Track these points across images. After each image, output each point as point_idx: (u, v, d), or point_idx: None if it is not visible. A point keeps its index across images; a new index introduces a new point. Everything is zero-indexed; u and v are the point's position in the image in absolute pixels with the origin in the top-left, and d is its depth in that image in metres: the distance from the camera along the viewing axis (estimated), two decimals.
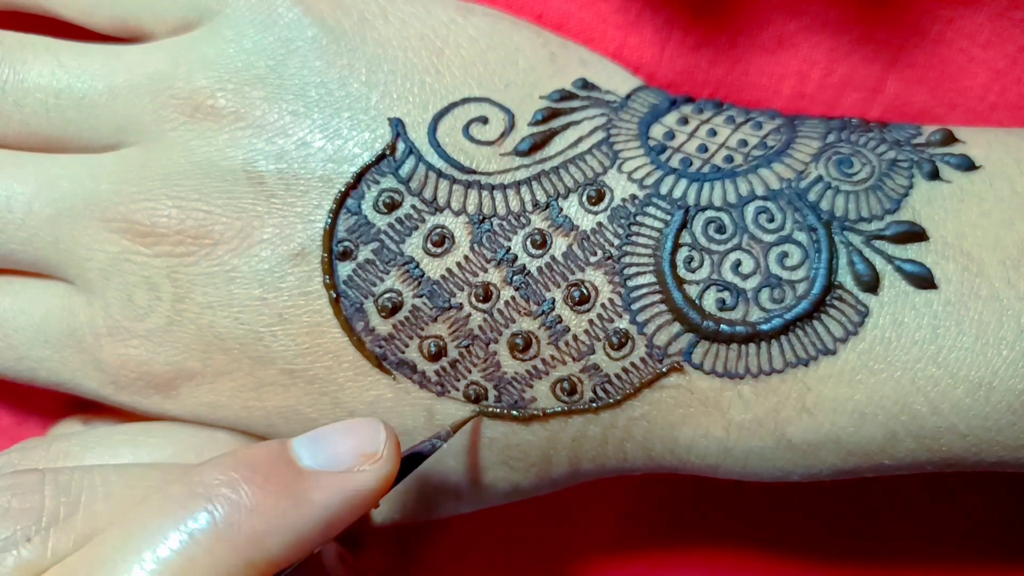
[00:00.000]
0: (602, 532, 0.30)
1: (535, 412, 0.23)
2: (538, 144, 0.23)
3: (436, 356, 0.23)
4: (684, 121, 0.23)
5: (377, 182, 0.23)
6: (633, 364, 0.22)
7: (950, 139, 0.22)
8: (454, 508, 0.26)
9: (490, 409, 0.24)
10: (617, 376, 0.23)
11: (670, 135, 0.23)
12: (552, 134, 0.23)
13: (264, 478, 0.19)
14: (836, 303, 0.21)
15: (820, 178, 0.22)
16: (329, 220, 0.23)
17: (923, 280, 0.21)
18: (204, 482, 0.19)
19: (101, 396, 0.25)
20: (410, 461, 0.22)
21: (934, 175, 0.22)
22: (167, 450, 0.24)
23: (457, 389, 0.23)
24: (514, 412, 0.23)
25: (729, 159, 0.23)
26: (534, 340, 0.23)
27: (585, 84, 0.24)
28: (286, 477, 0.20)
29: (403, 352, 0.23)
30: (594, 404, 0.23)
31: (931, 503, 0.28)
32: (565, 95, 0.24)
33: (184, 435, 0.24)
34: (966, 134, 0.22)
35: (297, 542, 0.19)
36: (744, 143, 0.23)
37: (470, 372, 0.23)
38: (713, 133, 0.23)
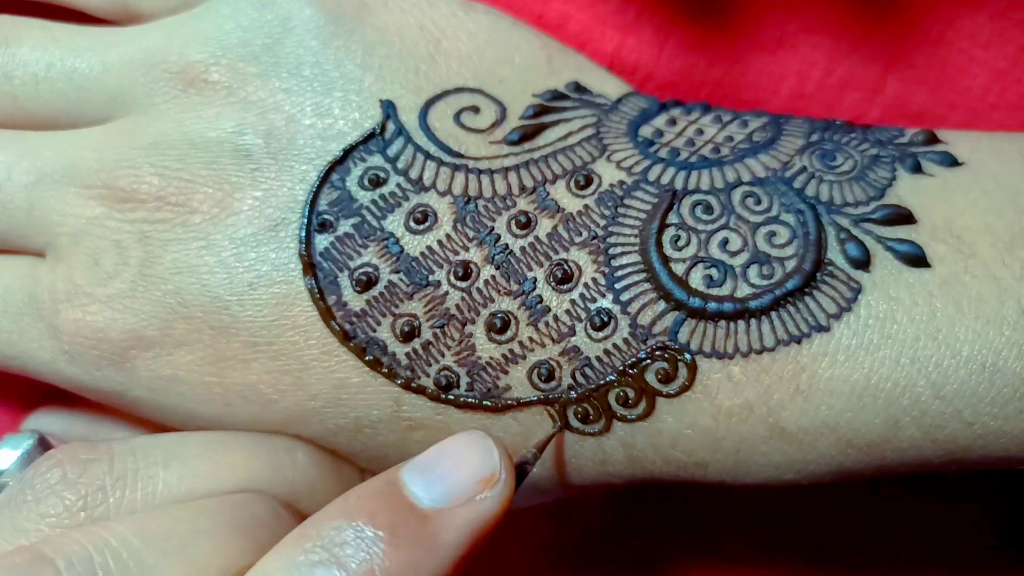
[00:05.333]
0: (600, 532, 0.27)
1: (509, 401, 0.22)
2: (528, 135, 0.23)
3: (409, 336, 0.22)
4: (672, 122, 0.24)
5: (364, 160, 0.23)
6: (615, 345, 0.21)
7: (932, 139, 0.22)
8: None
9: (462, 399, 0.22)
10: (598, 359, 0.21)
11: (658, 134, 0.23)
12: (542, 127, 0.23)
13: (390, 531, 0.18)
14: (827, 279, 0.21)
15: (804, 168, 0.22)
16: (312, 192, 0.23)
17: (916, 259, 0.20)
18: (326, 545, 0.18)
19: (54, 370, 0.23)
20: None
21: (916, 169, 0.22)
22: (247, 469, 0.22)
23: (428, 375, 0.22)
24: (487, 402, 0.22)
25: (716, 150, 0.23)
26: (513, 320, 0.22)
27: (578, 87, 0.24)
28: (411, 524, 0.18)
29: (374, 331, 0.22)
30: (572, 393, 0.21)
31: (922, 518, 0.26)
32: (557, 95, 0.24)
33: (264, 450, 0.22)
34: (949, 136, 0.23)
35: None
36: (730, 139, 0.23)
37: (443, 356, 0.22)
38: (700, 132, 0.23)
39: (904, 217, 0.21)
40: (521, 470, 0.20)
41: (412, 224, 0.22)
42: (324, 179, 0.23)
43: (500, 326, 0.22)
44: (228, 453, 0.22)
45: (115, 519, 0.19)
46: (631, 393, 0.21)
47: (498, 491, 0.19)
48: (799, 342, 0.20)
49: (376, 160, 0.23)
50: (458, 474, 0.19)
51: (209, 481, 0.21)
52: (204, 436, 0.22)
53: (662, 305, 0.21)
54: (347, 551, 0.17)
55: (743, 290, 0.21)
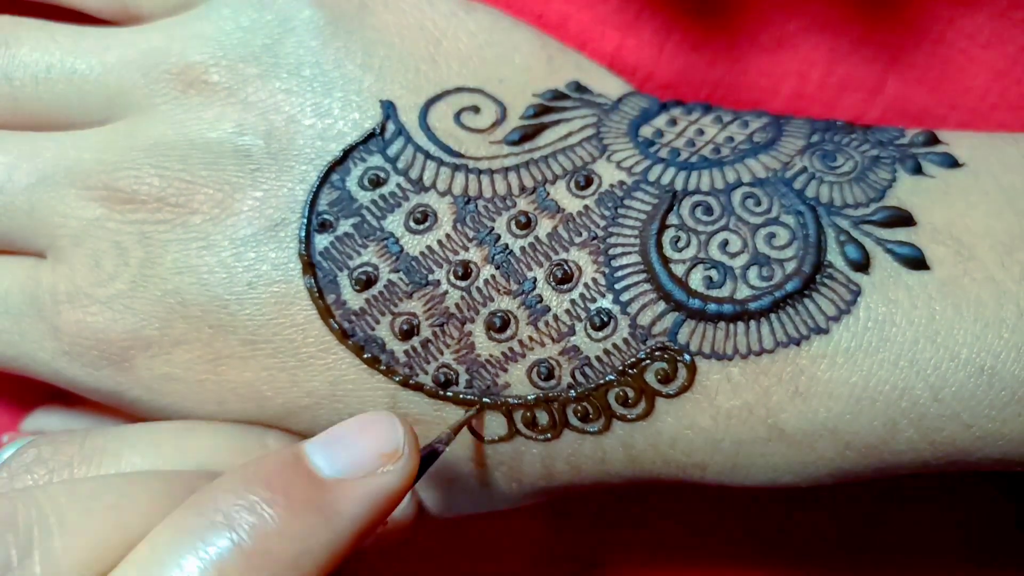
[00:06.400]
0: (595, 532, 0.27)
1: (508, 399, 0.22)
2: (528, 135, 0.23)
3: (407, 334, 0.22)
4: (673, 122, 0.24)
5: (364, 160, 0.23)
6: (615, 345, 0.21)
7: (933, 140, 0.22)
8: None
9: (461, 396, 0.22)
10: (598, 359, 0.21)
11: (659, 134, 0.23)
12: (542, 127, 0.23)
13: (286, 496, 0.18)
14: (827, 282, 0.21)
15: (805, 169, 0.22)
16: (312, 193, 0.23)
17: (915, 261, 0.20)
18: (221, 508, 0.18)
19: (54, 370, 0.23)
20: (426, 458, 0.20)
21: (917, 170, 0.22)
22: (213, 452, 0.22)
23: (426, 372, 0.22)
24: (486, 399, 0.22)
25: (716, 151, 0.23)
26: (512, 320, 0.22)
27: (578, 87, 0.24)
28: (308, 491, 0.18)
29: (373, 329, 0.22)
30: (572, 392, 0.21)
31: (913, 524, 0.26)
32: (558, 95, 0.24)
33: (232, 435, 0.22)
34: (950, 137, 0.23)
35: (331, 558, 0.18)
36: (731, 139, 0.23)
37: (442, 354, 0.22)
38: (701, 132, 0.23)
39: (904, 219, 0.21)
40: (433, 451, 0.21)
41: (412, 224, 0.22)
42: (324, 179, 0.23)
43: (500, 325, 0.22)
44: (196, 438, 0.22)
45: (58, 483, 0.20)
46: (631, 393, 0.21)
47: (400, 466, 0.19)
48: (798, 344, 0.20)
49: (376, 160, 0.23)
50: (360, 447, 0.19)
51: (172, 462, 0.21)
52: (177, 423, 0.23)
53: (662, 306, 0.21)
54: (241, 515, 0.17)
55: (743, 292, 0.21)
